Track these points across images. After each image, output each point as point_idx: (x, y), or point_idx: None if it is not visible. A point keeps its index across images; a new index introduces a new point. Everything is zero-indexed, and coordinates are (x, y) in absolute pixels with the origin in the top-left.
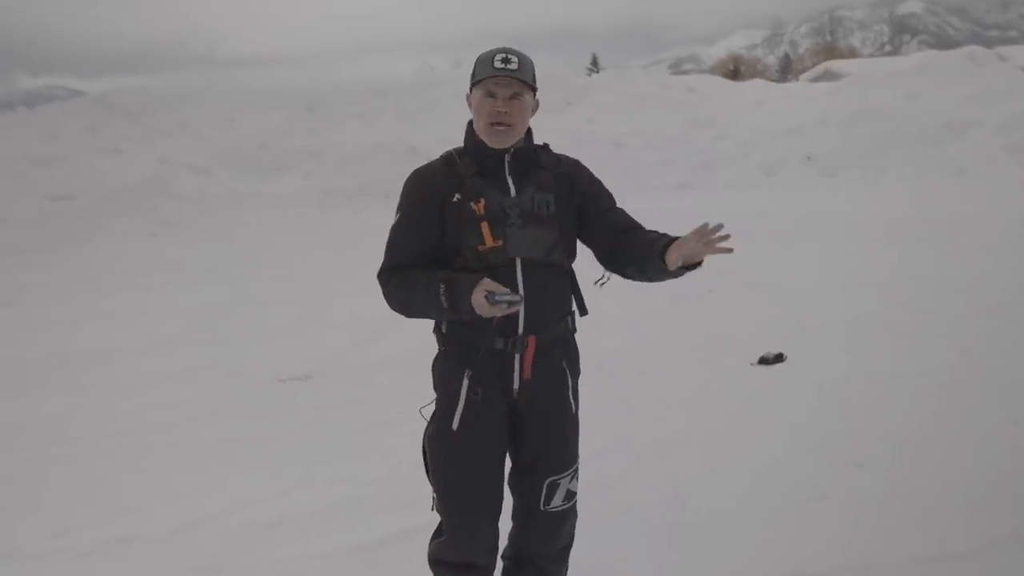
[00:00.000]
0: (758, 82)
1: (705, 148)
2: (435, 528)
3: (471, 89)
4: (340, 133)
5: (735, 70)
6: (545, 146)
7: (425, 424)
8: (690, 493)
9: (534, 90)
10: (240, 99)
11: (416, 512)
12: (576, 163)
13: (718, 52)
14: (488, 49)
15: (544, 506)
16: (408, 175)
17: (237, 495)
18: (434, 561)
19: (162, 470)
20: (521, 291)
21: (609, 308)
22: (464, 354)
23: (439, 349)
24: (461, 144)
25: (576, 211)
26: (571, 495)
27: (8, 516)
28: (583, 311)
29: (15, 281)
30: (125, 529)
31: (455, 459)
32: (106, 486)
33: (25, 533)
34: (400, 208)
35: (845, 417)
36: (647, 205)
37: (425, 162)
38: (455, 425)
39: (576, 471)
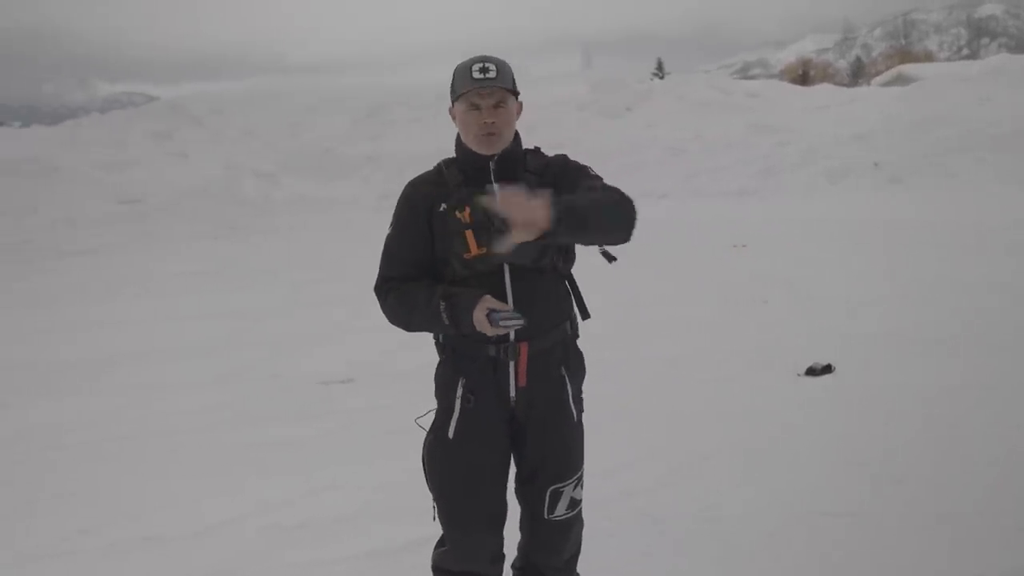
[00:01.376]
0: (824, 87)
1: (767, 154)
2: (439, 537)
3: (453, 104)
4: (400, 138)
5: (804, 75)
6: (536, 150)
7: (424, 433)
8: (717, 506)
9: (516, 94)
10: (305, 105)
11: None
12: (564, 159)
13: (788, 56)
14: (465, 60)
15: (548, 515)
16: (403, 188)
17: (264, 498)
18: (437, 569)
19: (193, 472)
20: (510, 297)
21: (653, 317)
22: (458, 362)
23: (440, 362)
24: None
25: None
26: (575, 503)
27: (34, 514)
28: (584, 315)
29: (78, 280)
30: (148, 530)
31: (452, 468)
32: (134, 486)
33: (49, 531)
34: (394, 220)
35: (890, 431)
36: (706, 212)
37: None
38: (451, 434)
39: (580, 479)
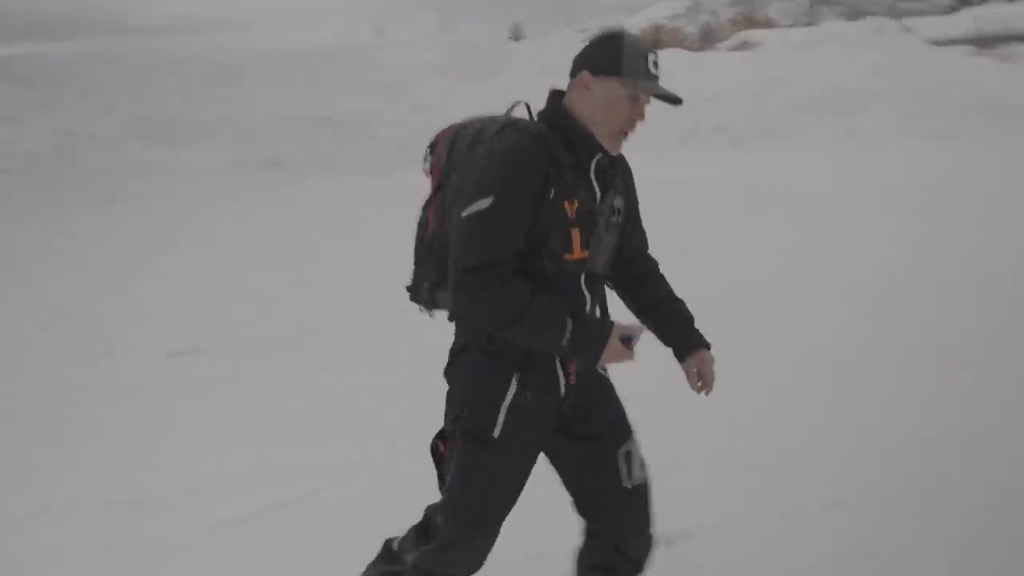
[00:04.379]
0: (672, 51)
1: None
2: (414, 532)
3: (602, 75)
4: (252, 102)
5: (655, 41)
6: None
7: (435, 432)
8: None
9: None
10: (148, 66)
11: None
12: (628, 170)
13: (640, 22)
14: (630, 36)
15: (628, 482)
16: (505, 148)
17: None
18: (424, 571)
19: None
20: (588, 300)
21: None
22: (512, 356)
23: (476, 352)
24: (527, 117)
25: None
26: (644, 463)
27: None
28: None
29: None
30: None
31: (495, 470)
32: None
33: None
34: (497, 191)
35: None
36: None
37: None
38: (496, 432)
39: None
